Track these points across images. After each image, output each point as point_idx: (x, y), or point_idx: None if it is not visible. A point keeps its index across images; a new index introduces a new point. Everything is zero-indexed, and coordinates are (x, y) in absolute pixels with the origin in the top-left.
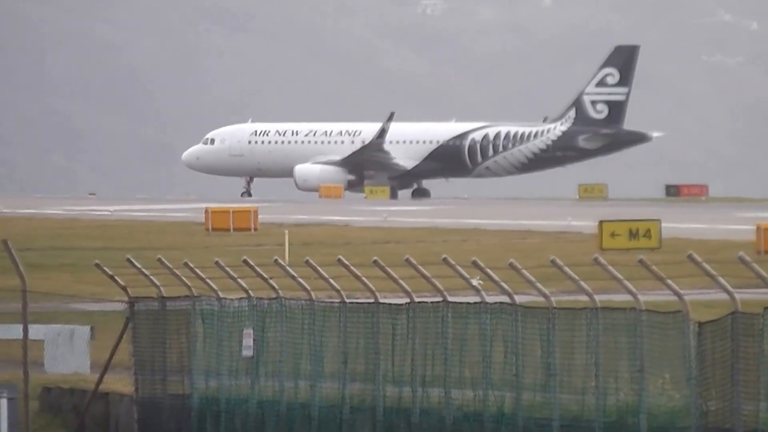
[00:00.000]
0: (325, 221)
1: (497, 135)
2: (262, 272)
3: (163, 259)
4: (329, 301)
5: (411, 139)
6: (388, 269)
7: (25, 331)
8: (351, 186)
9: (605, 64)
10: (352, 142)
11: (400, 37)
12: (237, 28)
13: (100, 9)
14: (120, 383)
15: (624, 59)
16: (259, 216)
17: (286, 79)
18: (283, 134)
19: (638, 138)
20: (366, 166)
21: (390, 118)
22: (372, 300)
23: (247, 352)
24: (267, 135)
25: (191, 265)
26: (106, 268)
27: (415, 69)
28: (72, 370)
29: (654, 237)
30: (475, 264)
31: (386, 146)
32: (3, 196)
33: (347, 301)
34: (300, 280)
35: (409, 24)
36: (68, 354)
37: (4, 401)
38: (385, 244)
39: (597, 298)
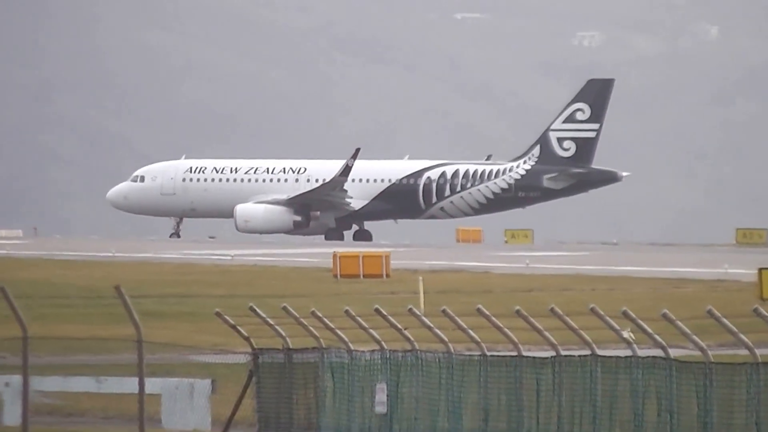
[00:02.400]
0: (462, 267)
1: (455, 173)
2: (395, 322)
3: (289, 308)
4: (468, 353)
5: (361, 177)
6: (532, 319)
7: (141, 384)
8: (297, 227)
9: (576, 99)
10: (296, 180)
11: (550, 70)
12: (373, 58)
13: (231, 39)
14: None
15: (596, 94)
16: (392, 261)
17: (425, 113)
18: (221, 171)
19: (608, 178)
20: (314, 206)
21: (355, 155)
22: (514, 353)
23: (381, 408)
24: (203, 172)
25: (319, 314)
26: (227, 317)
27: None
28: (191, 427)
29: None
30: (625, 314)
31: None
32: (116, 239)
33: (488, 353)
34: (436, 330)
35: (562, 56)
36: (187, 409)
37: None
38: (528, 293)
39: (758, 352)
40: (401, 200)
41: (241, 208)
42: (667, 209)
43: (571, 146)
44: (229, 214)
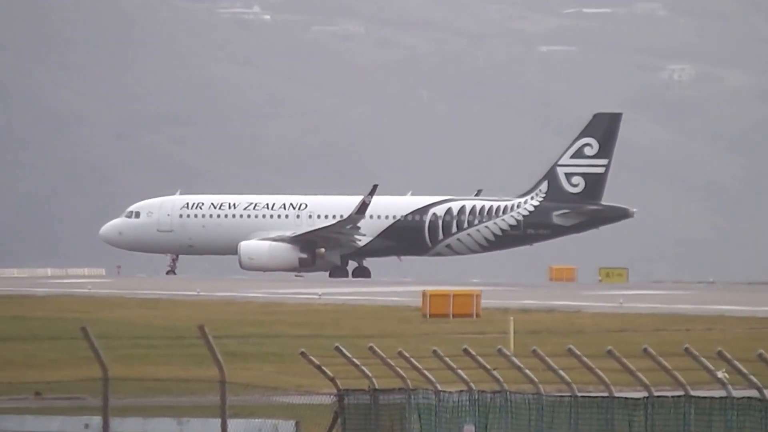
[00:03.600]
0: (554, 306)
1: (462, 209)
2: (484, 362)
3: (376, 348)
4: (559, 395)
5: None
6: (624, 360)
7: (224, 426)
8: (302, 265)
9: (583, 134)
10: (298, 216)
11: (640, 104)
12: (460, 94)
13: (314, 74)
14: None
15: (604, 128)
16: (482, 300)
17: (512, 151)
18: (219, 207)
19: (619, 214)
20: (321, 243)
21: (372, 192)
22: (606, 394)
23: None
24: (200, 208)
25: (406, 354)
26: (312, 357)
27: (656, 140)
28: None
29: None
30: (720, 355)
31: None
32: (200, 278)
33: (579, 395)
34: (526, 371)
35: (652, 91)
36: None
37: None
38: (620, 333)
39: None
40: (406, 237)
41: (245, 246)
42: (765, 247)
43: (579, 182)
44: (228, 251)
